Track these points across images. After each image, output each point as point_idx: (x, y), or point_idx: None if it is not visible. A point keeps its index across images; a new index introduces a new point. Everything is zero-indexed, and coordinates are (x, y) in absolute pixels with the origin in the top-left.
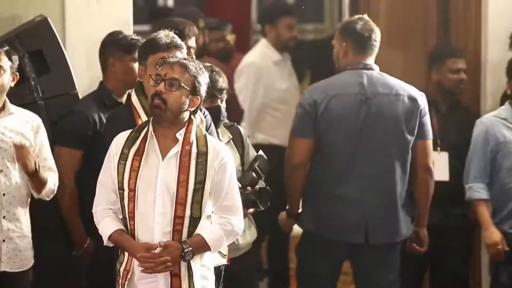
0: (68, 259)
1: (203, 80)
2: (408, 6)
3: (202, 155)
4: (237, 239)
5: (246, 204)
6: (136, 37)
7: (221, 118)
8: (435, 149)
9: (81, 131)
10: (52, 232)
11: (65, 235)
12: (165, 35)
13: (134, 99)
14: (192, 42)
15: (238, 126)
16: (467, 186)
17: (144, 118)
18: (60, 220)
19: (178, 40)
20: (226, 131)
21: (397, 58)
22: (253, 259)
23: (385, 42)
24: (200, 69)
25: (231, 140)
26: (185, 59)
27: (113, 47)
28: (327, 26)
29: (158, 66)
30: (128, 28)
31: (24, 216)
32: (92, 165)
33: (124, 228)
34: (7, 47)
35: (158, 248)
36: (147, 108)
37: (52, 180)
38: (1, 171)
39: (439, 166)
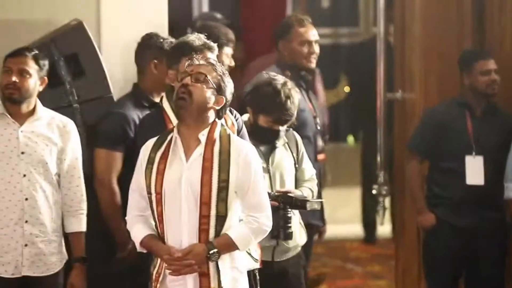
0: (106, 263)
1: (228, 83)
2: (443, 10)
3: (225, 153)
4: (287, 242)
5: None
6: (174, 40)
7: (275, 143)
8: (470, 153)
9: (121, 132)
10: (89, 236)
11: (102, 239)
12: (196, 37)
13: (165, 104)
14: (227, 51)
15: (294, 132)
16: (505, 185)
17: (175, 122)
18: (98, 224)
19: (209, 42)
20: (282, 135)
21: (433, 63)
22: (302, 261)
23: (420, 46)
24: (224, 71)
25: (286, 144)
26: (214, 59)
27: (154, 49)
28: (361, 30)
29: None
30: (163, 32)
31: (50, 220)
32: (133, 166)
33: (154, 233)
34: (36, 52)
35: (177, 253)
36: (174, 103)
37: (83, 197)
38: (25, 175)
39: (474, 170)
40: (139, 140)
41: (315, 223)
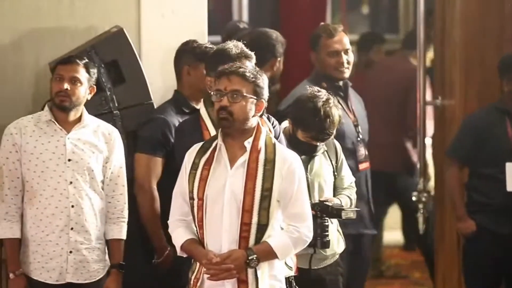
0: (144, 267)
1: (263, 83)
2: (484, 15)
3: (270, 162)
4: (324, 250)
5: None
6: (210, 46)
7: (315, 154)
8: (510, 159)
9: (162, 137)
10: (129, 241)
11: (142, 243)
12: (234, 45)
13: (202, 111)
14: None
15: (334, 140)
16: None
17: (211, 129)
18: (137, 229)
19: (247, 50)
20: (321, 147)
21: (473, 69)
22: (340, 268)
23: (460, 52)
24: (257, 72)
25: (325, 152)
26: (240, 67)
27: (188, 55)
28: (401, 36)
29: (217, 79)
30: (203, 38)
31: (95, 228)
32: (173, 172)
33: (195, 238)
34: (87, 60)
35: (215, 258)
36: (215, 119)
37: (126, 205)
38: (71, 182)
39: None
40: (176, 146)
41: (366, 232)
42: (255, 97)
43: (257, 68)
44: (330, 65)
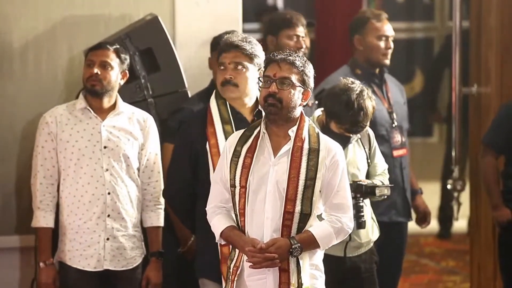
0: (175, 256)
1: (310, 72)
2: None
3: (314, 152)
4: (360, 238)
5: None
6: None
7: (348, 144)
8: None
9: None
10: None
11: (172, 233)
12: (233, 34)
13: (213, 104)
14: (300, 31)
15: (368, 128)
16: None
17: (218, 123)
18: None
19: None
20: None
21: (509, 56)
22: (374, 256)
23: (496, 40)
24: (305, 61)
25: (359, 140)
26: (290, 54)
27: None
28: (437, 24)
29: (266, 66)
30: (237, 26)
31: (131, 215)
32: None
33: (235, 225)
34: (117, 46)
35: (261, 243)
36: (224, 114)
37: (160, 192)
38: (107, 170)
39: None
40: (177, 139)
41: (399, 220)
42: (302, 86)
43: (305, 58)
44: (379, 49)
